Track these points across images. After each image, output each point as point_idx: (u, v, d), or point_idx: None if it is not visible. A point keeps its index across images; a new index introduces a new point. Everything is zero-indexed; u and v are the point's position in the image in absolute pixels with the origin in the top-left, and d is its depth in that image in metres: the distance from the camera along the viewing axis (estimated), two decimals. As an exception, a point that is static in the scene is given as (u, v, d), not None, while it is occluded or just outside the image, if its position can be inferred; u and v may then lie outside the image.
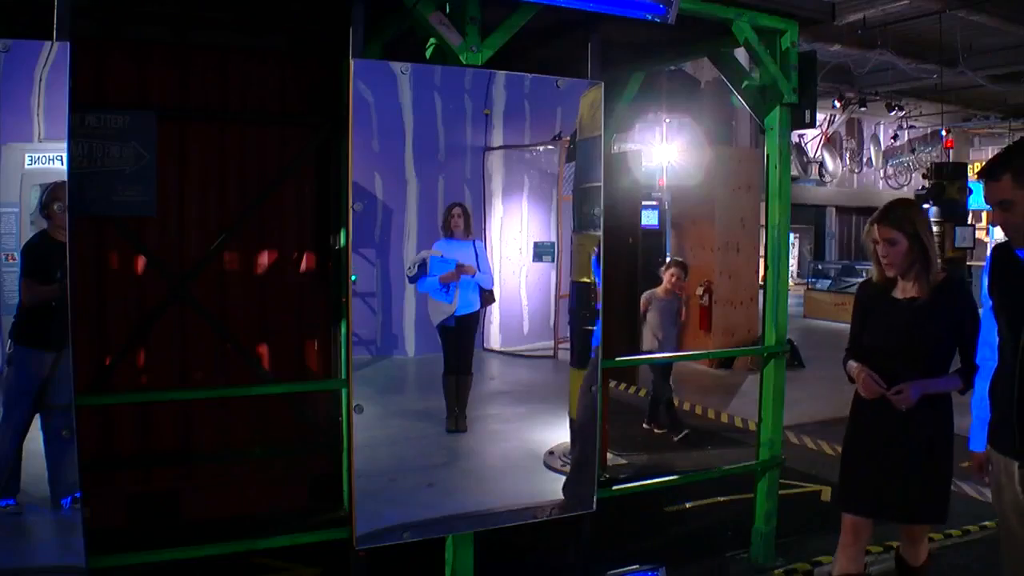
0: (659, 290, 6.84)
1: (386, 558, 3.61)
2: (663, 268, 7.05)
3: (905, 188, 21.57)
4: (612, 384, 7.79)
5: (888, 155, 21.54)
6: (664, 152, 12.17)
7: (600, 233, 3.63)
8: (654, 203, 11.69)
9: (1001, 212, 2.51)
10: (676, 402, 7.28)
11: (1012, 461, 2.56)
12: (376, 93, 3.23)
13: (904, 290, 3.12)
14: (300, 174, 4.88)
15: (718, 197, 10.53)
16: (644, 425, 7.24)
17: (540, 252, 3.61)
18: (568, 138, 3.60)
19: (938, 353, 3.08)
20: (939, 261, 3.10)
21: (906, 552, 3.40)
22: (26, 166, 2.79)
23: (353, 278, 3.35)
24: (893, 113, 17.43)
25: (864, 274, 19.52)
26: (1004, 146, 2.71)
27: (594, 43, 3.68)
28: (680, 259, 7.38)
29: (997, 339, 2.65)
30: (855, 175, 21.84)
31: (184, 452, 4.68)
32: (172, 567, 3.55)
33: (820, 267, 18.29)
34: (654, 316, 6.77)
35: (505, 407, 3.54)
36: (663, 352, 6.73)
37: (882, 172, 21.86)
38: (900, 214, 3.09)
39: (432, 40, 3.41)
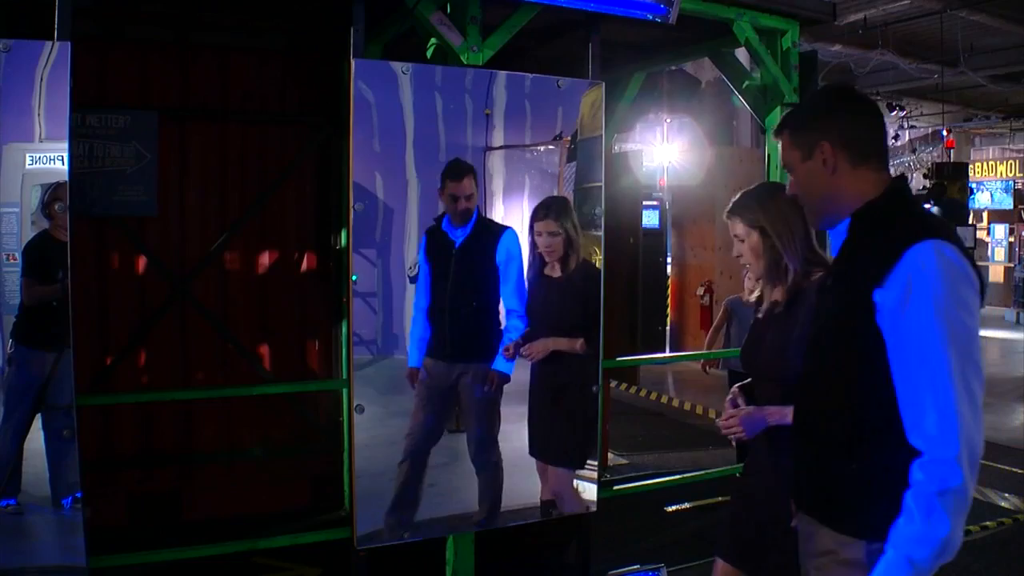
0: (744, 296, 5.97)
1: (387, 558, 3.61)
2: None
3: (906, 188, 21.53)
4: (612, 384, 7.79)
5: (889, 155, 21.52)
6: (665, 152, 12.17)
7: (600, 234, 3.63)
8: (655, 203, 11.69)
9: (791, 178, 1.96)
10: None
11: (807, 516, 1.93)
12: (377, 93, 3.23)
13: (768, 297, 2.53)
14: (301, 174, 4.88)
15: (719, 197, 10.53)
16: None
17: (541, 252, 3.61)
18: (569, 138, 3.60)
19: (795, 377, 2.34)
20: (806, 260, 2.38)
21: None
22: (27, 166, 2.79)
23: (354, 278, 3.35)
24: (894, 113, 17.41)
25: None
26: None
27: (595, 43, 3.68)
28: None
29: None
30: (856, 175, 21.81)
31: (185, 452, 4.68)
32: (173, 567, 3.56)
33: (821, 267, 18.20)
34: (738, 329, 5.66)
35: (505, 407, 3.53)
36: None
37: (883, 172, 21.82)
38: (745, 204, 2.50)
39: (433, 40, 3.41)
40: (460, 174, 3.36)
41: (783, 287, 2.42)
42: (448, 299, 3.42)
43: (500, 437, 3.53)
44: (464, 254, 3.42)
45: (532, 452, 3.61)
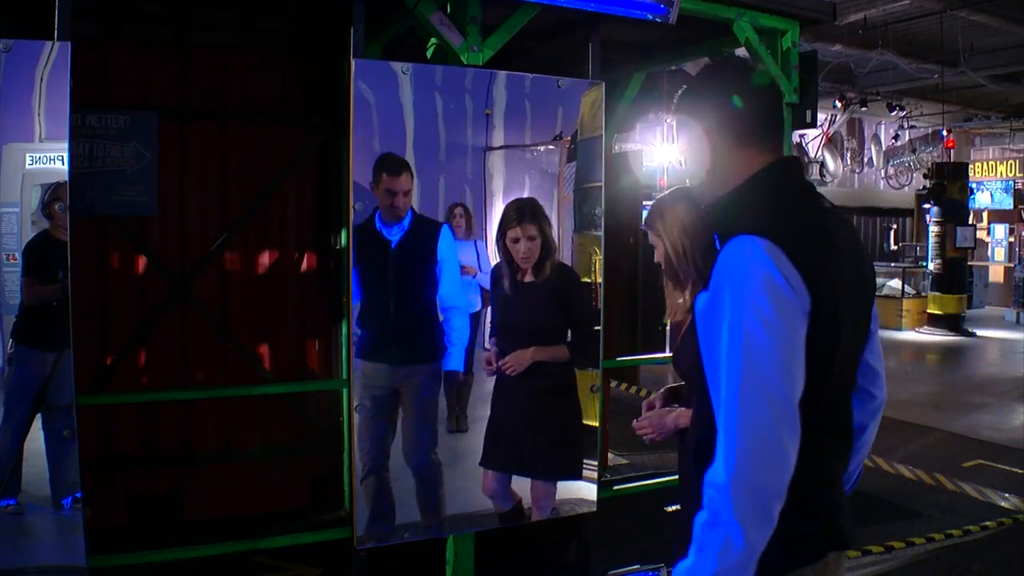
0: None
1: (387, 558, 3.61)
2: None
3: (906, 188, 21.56)
4: (612, 384, 7.78)
5: (889, 155, 21.52)
6: (665, 152, 12.16)
7: (600, 234, 3.63)
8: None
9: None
10: None
11: None
12: (377, 93, 3.23)
13: (683, 305, 2.48)
14: (301, 174, 4.88)
15: (719, 197, 10.50)
16: None
17: (541, 252, 3.60)
18: (569, 138, 3.60)
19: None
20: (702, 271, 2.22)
21: None
22: (27, 166, 2.79)
23: (354, 278, 3.34)
24: (894, 113, 17.39)
25: (865, 274, 19.45)
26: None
27: (595, 43, 3.68)
28: None
29: None
30: (856, 175, 21.82)
31: (185, 452, 4.68)
32: (173, 567, 3.56)
33: (821, 267, 18.22)
34: None
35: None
36: None
37: (883, 172, 21.84)
38: (651, 213, 2.43)
39: (433, 40, 3.41)
40: (398, 168, 3.25)
41: (684, 299, 2.36)
42: (391, 301, 3.31)
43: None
44: (403, 253, 3.30)
45: (496, 465, 3.44)
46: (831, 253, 1.56)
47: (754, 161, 1.67)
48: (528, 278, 3.38)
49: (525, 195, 3.54)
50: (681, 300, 2.36)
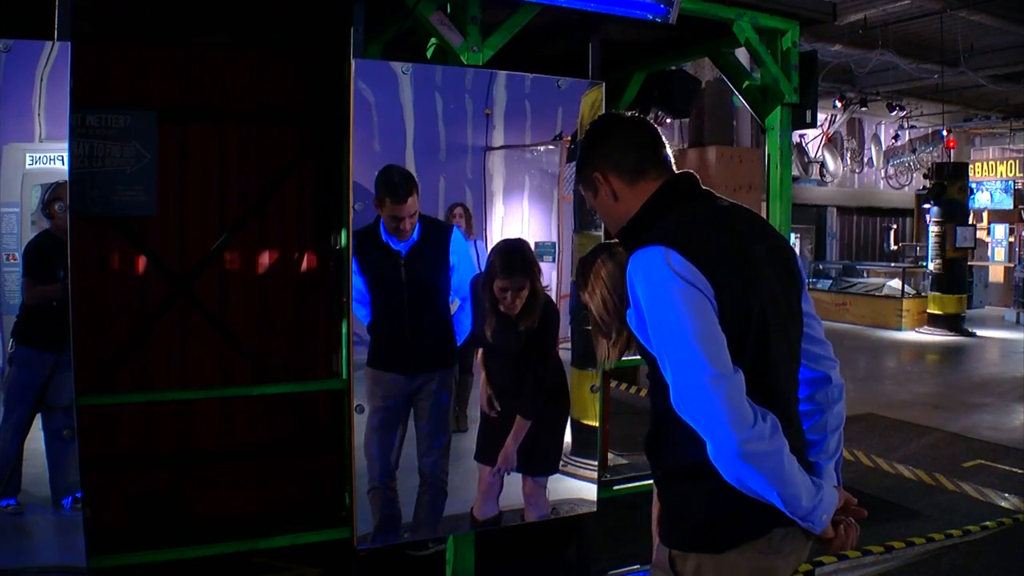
0: None
1: (387, 558, 3.61)
2: None
3: (906, 188, 21.56)
4: (612, 384, 7.78)
5: (889, 155, 21.54)
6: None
7: (601, 233, 3.63)
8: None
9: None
10: None
11: None
12: (377, 93, 3.23)
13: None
14: (301, 174, 4.88)
15: (719, 197, 10.50)
16: None
17: (540, 252, 3.61)
18: (569, 138, 3.60)
19: None
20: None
21: None
22: (27, 166, 2.80)
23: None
24: (894, 113, 17.41)
25: (865, 274, 19.15)
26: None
27: (595, 43, 3.68)
28: None
29: None
30: (856, 175, 21.82)
31: (185, 452, 4.68)
32: (173, 567, 3.56)
33: (821, 267, 18.30)
34: None
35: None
36: None
37: (883, 172, 21.86)
38: (577, 270, 2.43)
39: (433, 40, 3.41)
40: (403, 194, 3.16)
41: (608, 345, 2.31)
42: (406, 309, 3.28)
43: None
44: (415, 261, 3.25)
45: (490, 460, 3.45)
46: (728, 246, 1.74)
47: (649, 189, 1.87)
48: (514, 317, 3.31)
49: (525, 195, 3.54)
50: (608, 346, 2.32)
